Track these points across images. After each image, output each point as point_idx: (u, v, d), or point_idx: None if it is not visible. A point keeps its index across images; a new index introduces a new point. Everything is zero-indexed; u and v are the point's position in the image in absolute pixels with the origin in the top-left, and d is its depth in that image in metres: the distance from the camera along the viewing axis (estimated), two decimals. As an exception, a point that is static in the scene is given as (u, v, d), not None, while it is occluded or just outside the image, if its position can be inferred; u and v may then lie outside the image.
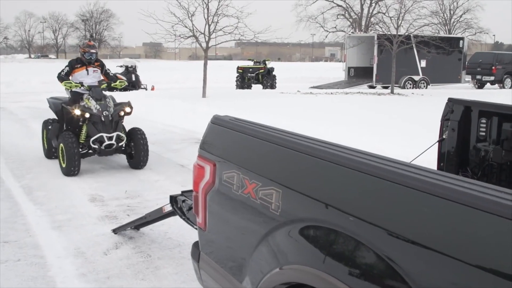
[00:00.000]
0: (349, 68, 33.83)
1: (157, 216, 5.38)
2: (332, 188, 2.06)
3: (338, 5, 49.02)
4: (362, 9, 48.67)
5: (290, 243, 2.23)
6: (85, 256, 5.27)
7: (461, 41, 34.63)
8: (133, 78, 25.60)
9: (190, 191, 5.48)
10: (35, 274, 4.82)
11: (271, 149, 2.38)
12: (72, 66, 9.28)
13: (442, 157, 4.50)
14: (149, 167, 9.07)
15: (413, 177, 1.75)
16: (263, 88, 28.74)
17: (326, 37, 48.78)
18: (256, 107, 16.32)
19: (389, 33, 27.42)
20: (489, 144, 4.19)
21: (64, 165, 8.46)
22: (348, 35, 37.03)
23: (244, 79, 29.49)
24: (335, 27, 48.12)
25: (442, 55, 31.16)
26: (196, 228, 3.22)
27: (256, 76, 29.32)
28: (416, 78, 31.97)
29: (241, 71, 29.64)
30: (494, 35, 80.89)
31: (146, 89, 25.76)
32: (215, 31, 21.83)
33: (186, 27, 21.25)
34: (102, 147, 8.50)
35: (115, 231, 5.89)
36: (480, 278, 1.48)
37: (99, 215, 6.56)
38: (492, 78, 33.18)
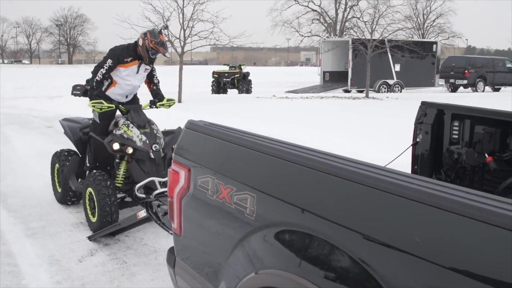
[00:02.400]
0: (324, 73, 34.02)
1: (132, 222, 5.35)
2: (308, 192, 2.06)
3: (313, 10, 49.25)
4: (336, 13, 48.99)
5: (265, 247, 2.23)
6: (60, 263, 5.22)
7: (434, 45, 35.04)
8: (108, 83, 25.36)
9: (163, 192, 5.48)
10: (9, 282, 4.76)
11: (246, 154, 2.38)
12: (119, 60, 6.44)
13: (416, 160, 4.54)
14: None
15: (388, 181, 1.75)
16: (238, 93, 28.73)
17: (301, 41, 48.90)
18: (232, 112, 16.31)
19: (363, 37, 27.60)
20: (462, 147, 4.24)
21: (94, 219, 5.98)
22: (323, 39, 37.21)
23: (220, 84, 29.45)
24: (310, 32, 48.29)
25: (416, 59, 31.45)
26: (171, 233, 3.20)
27: (232, 80, 29.29)
28: (391, 82, 32.26)
29: (216, 76, 29.59)
30: (466, 39, 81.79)
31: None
32: (190, 36, 21.82)
33: (161, 32, 21.14)
34: (152, 197, 5.61)
35: (90, 238, 5.84)
36: (455, 281, 1.49)
37: (74, 222, 6.50)
38: (465, 81, 33.60)
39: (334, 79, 33.69)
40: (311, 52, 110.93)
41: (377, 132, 12.14)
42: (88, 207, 6.14)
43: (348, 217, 1.86)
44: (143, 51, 6.38)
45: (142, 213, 5.02)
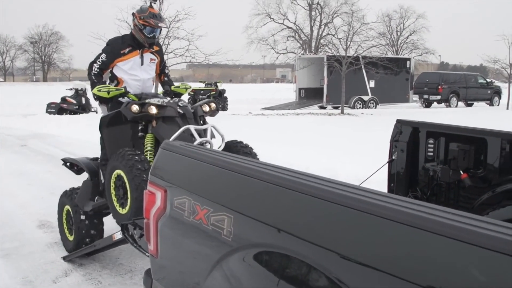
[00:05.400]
0: (299, 89, 34.23)
1: (107, 244, 5.28)
2: (283, 212, 2.05)
3: (288, 27, 49.69)
4: (311, 31, 49.50)
5: (243, 268, 2.21)
6: (33, 284, 5.15)
7: (408, 62, 35.47)
8: (83, 101, 25.34)
9: (142, 218, 5.39)
10: (-19, 305, 4.68)
11: (222, 174, 2.38)
12: (115, 53, 5.62)
13: (392, 178, 4.57)
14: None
15: (363, 200, 1.76)
16: (215, 110, 28.68)
17: (277, 58, 49.26)
18: (208, 129, 16.26)
19: (338, 54, 27.85)
20: (437, 164, 4.28)
21: (124, 211, 4.77)
22: (298, 56, 37.51)
23: (196, 101, 29.42)
24: (286, 49, 48.65)
25: (390, 75, 31.84)
26: (148, 256, 3.17)
27: (208, 98, 29.31)
28: (366, 98, 32.55)
29: (192, 93, 29.58)
30: (439, 56, 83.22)
31: (96, 112, 25.42)
32: (166, 53, 21.86)
33: (136, 49, 21.17)
34: None
35: (64, 258, 5.77)
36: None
37: (48, 242, 6.42)
38: (438, 97, 34.12)
39: (309, 96, 33.91)
40: (287, 69, 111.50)
41: (353, 148, 12.20)
42: (114, 197, 4.95)
43: (324, 236, 1.86)
44: (137, 34, 5.62)
45: (118, 235, 4.95)
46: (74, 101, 25.08)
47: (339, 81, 27.05)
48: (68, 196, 6.09)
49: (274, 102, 35.91)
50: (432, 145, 4.30)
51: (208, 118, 5.43)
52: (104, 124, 5.48)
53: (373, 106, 32.59)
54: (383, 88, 32.54)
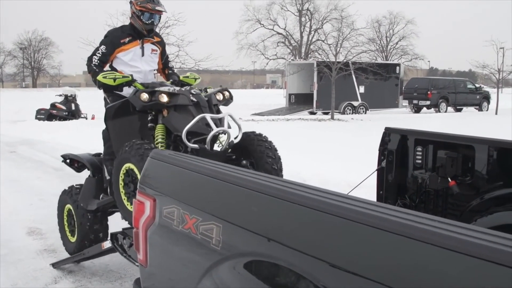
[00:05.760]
0: (289, 95, 34.31)
1: (96, 252, 5.27)
2: (273, 221, 2.06)
3: (278, 33, 49.82)
4: (301, 36, 49.67)
5: (233, 277, 2.22)
6: (23, 292, 5.12)
7: (397, 67, 35.65)
8: (73, 107, 25.21)
9: (131, 227, 5.37)
10: (-30, 314, 4.66)
11: (210, 183, 2.38)
12: (115, 43, 5.34)
13: (381, 186, 4.58)
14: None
15: (352, 209, 1.77)
16: (205, 116, 28.66)
17: (267, 64, 49.36)
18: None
19: (328, 60, 27.95)
20: (425, 172, 4.30)
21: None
22: (288, 62, 37.61)
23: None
24: (276, 55, 48.78)
25: (380, 81, 31.97)
26: (137, 265, 3.17)
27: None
28: (355, 103, 32.67)
29: (183, 99, 29.50)
30: (429, 61, 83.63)
31: (86, 118, 25.37)
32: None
33: (126, 55, 21.12)
34: (207, 141, 4.47)
35: (54, 265, 5.74)
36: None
37: (37, 249, 6.39)
38: (428, 102, 34.29)
39: (299, 101, 33.99)
40: (277, 74, 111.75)
41: (343, 153, 12.22)
42: (123, 190, 4.52)
43: (313, 245, 1.87)
44: (136, 22, 5.31)
45: (107, 244, 4.94)
46: (63, 107, 24.98)
47: (329, 87, 27.14)
48: (68, 194, 5.84)
49: (264, 108, 35.92)
50: (420, 153, 4.32)
51: (222, 108, 5.19)
52: (110, 115, 5.13)
53: (363, 111, 32.71)
54: (372, 93, 32.68)
